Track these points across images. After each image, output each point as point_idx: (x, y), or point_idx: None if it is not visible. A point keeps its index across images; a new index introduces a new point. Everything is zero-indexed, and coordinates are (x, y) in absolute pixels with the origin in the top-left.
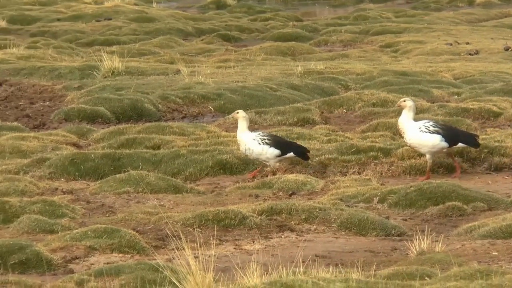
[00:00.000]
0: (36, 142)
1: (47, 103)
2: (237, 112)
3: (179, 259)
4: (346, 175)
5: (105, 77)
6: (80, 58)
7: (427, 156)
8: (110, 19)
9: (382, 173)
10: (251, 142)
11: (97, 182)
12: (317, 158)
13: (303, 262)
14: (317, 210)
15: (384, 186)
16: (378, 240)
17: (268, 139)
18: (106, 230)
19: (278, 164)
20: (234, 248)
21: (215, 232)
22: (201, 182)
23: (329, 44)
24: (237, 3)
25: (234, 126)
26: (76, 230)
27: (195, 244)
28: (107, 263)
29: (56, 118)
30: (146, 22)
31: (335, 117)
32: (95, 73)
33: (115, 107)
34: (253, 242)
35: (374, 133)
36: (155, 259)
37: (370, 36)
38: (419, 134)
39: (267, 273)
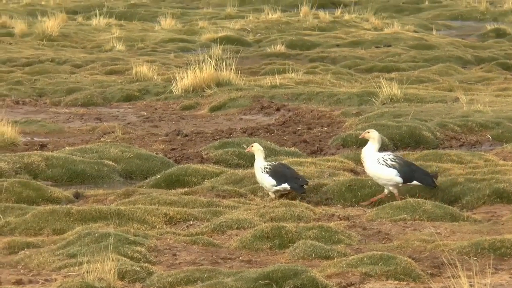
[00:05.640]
0: (313, 168)
1: (325, 128)
2: (252, 146)
3: (454, 287)
4: None
5: (384, 104)
6: (359, 84)
7: (390, 188)
8: (390, 46)
9: None
10: (258, 170)
11: (374, 209)
12: None
13: None
14: None
15: None
16: None
17: (269, 169)
18: (382, 256)
19: (274, 194)
20: (510, 277)
21: (491, 261)
22: (478, 211)
23: None
24: None
25: None
26: (352, 257)
27: (471, 273)
28: None
29: (334, 144)
30: (425, 49)
31: None
32: (373, 99)
33: (393, 134)
34: None
35: None
36: (431, 287)
37: None
38: (376, 166)
39: None
